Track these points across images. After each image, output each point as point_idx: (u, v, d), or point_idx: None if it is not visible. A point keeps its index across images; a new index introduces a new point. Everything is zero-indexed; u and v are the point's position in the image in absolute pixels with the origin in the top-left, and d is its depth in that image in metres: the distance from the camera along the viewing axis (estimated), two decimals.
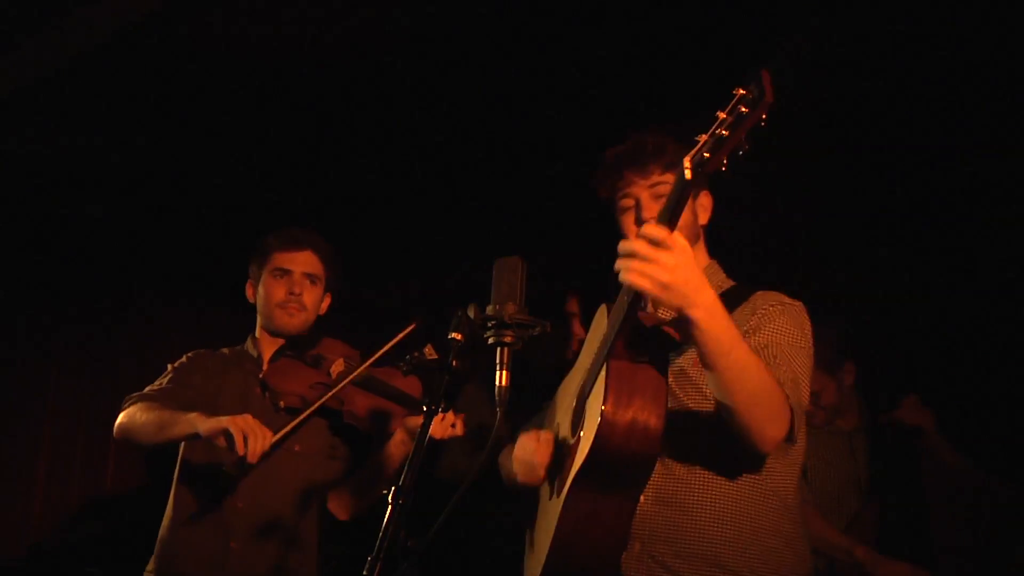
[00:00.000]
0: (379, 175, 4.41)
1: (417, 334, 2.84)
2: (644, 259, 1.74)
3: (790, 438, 1.99)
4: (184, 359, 3.07)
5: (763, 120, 1.62)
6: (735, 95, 1.64)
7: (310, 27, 3.41)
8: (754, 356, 1.90)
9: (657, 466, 2.07)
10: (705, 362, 1.88)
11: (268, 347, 3.09)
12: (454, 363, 2.05)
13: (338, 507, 2.98)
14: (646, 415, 1.96)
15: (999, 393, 3.76)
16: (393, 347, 2.86)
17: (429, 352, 2.17)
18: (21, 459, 4.23)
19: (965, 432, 3.51)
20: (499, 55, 3.50)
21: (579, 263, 3.94)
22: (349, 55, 3.55)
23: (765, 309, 2.15)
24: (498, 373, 2.04)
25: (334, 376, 2.96)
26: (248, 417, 2.62)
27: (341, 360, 3.00)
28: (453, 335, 2.07)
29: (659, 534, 2.10)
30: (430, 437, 2.66)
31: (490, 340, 2.06)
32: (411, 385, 2.97)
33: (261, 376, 2.98)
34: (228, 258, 3.44)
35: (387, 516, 1.91)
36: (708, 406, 2.09)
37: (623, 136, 2.36)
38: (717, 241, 2.40)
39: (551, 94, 3.72)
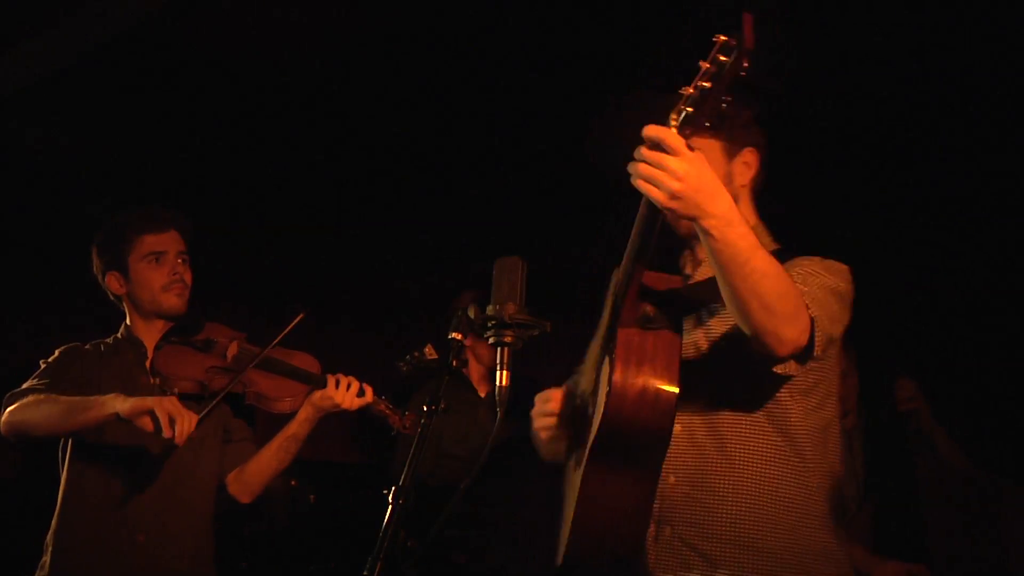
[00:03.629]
0: (376, 175, 4.41)
1: (305, 324, 2.90)
2: (652, 164, 1.66)
3: (809, 351, 1.87)
4: (57, 354, 2.95)
5: (744, 68, 1.56)
6: (715, 42, 1.59)
7: (310, 23, 3.41)
8: (775, 263, 1.80)
9: (688, 448, 2.04)
10: (721, 273, 1.80)
11: (148, 334, 2.99)
12: (454, 363, 2.05)
13: (240, 490, 2.99)
14: (657, 385, 1.89)
15: (994, 388, 3.76)
16: (290, 333, 2.90)
17: (429, 352, 2.17)
18: None
19: (959, 427, 3.52)
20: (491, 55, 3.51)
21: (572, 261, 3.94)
22: (345, 54, 3.55)
23: (802, 265, 2.03)
24: (498, 373, 2.03)
25: (230, 359, 2.93)
26: (173, 398, 2.59)
27: (235, 343, 2.97)
28: (453, 335, 2.07)
29: (690, 518, 2.06)
30: (339, 406, 2.83)
31: (490, 340, 2.06)
32: (309, 362, 2.98)
33: (148, 363, 2.93)
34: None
35: (387, 516, 1.90)
36: (740, 385, 2.03)
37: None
38: None
39: (548, 92, 3.73)
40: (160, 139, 4.16)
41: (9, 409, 2.76)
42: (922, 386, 3.52)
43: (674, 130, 1.63)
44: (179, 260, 2.97)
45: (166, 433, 2.51)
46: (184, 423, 2.52)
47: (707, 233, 1.73)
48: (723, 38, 1.57)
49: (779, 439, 2.03)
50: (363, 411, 2.90)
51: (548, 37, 3.41)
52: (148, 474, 2.82)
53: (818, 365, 1.97)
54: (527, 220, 4.57)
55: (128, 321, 3.04)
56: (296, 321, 2.90)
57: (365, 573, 1.82)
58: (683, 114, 1.62)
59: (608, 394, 1.90)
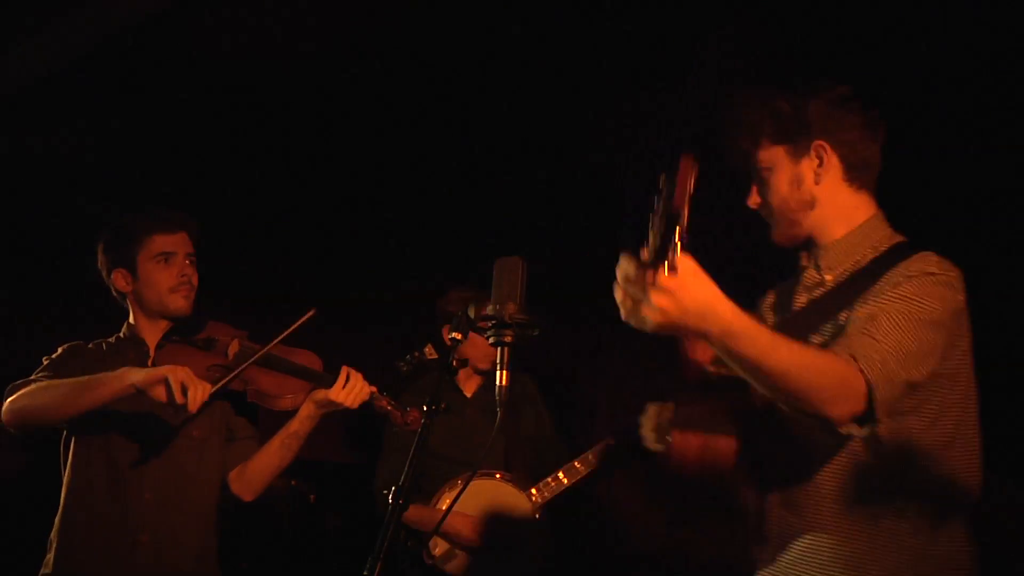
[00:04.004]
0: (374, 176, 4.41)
1: (314, 321, 2.88)
2: (631, 298, 1.63)
3: (869, 416, 1.78)
4: (60, 351, 2.96)
5: (687, 213, 1.51)
6: (659, 188, 1.55)
7: (312, 22, 3.41)
8: (798, 352, 1.75)
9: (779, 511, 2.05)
10: (739, 373, 1.76)
11: (151, 333, 3.01)
12: (454, 362, 2.05)
13: (242, 488, 2.98)
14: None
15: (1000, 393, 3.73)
16: (293, 332, 2.88)
17: (429, 351, 2.17)
18: None
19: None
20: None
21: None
22: (351, 54, 3.55)
23: (900, 276, 1.92)
24: (498, 373, 2.04)
25: (232, 357, 2.92)
26: (186, 368, 2.61)
27: (236, 341, 2.96)
28: (453, 335, 2.07)
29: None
30: (342, 404, 2.81)
31: (491, 340, 2.06)
32: (310, 360, 2.97)
33: (150, 362, 2.92)
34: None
35: (387, 515, 1.90)
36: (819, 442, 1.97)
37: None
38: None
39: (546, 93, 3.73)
40: (162, 138, 4.15)
41: (11, 398, 2.75)
42: None
43: (644, 268, 1.57)
44: (187, 262, 2.99)
45: (178, 400, 2.54)
46: (197, 391, 2.56)
47: (711, 343, 1.69)
48: (662, 183, 1.54)
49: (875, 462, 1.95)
50: (365, 408, 2.88)
51: (547, 39, 3.41)
52: (150, 473, 2.83)
53: (916, 388, 1.88)
54: (528, 220, 4.56)
55: (131, 320, 3.04)
56: (305, 318, 2.88)
57: (365, 573, 1.83)
58: (653, 254, 1.56)
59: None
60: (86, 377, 2.68)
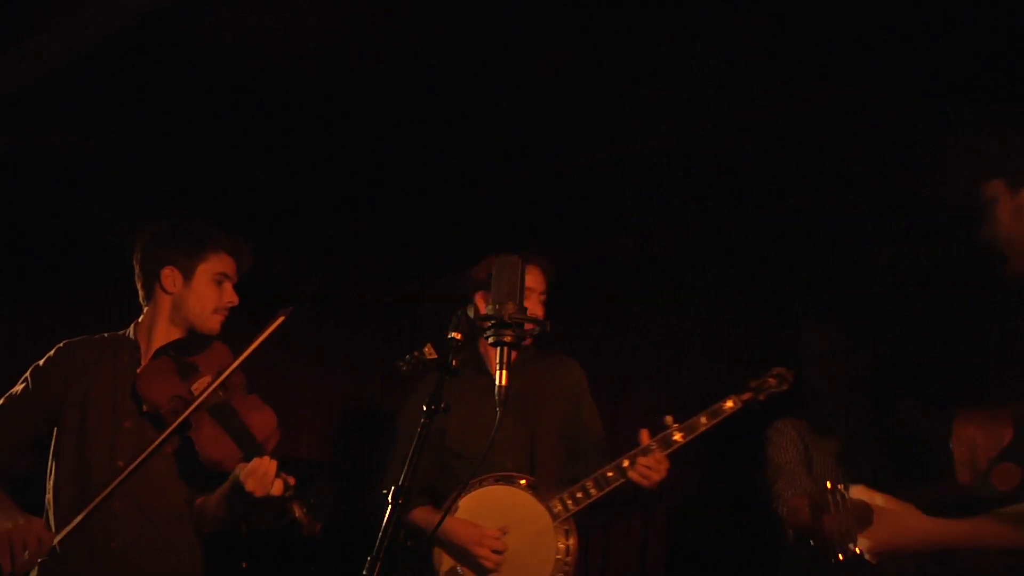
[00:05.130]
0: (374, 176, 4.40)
1: (287, 326, 2.84)
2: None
3: None
4: (52, 354, 2.97)
5: None
6: None
7: (310, 23, 3.40)
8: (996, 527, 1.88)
9: None
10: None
11: (162, 336, 3.00)
12: (453, 363, 2.05)
13: (198, 521, 2.90)
14: None
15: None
16: (262, 343, 2.83)
17: (429, 351, 2.16)
18: None
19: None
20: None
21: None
22: (345, 57, 3.55)
23: None
24: (498, 372, 2.05)
25: (196, 393, 2.86)
26: (36, 525, 2.67)
27: (208, 377, 2.91)
28: (453, 335, 2.07)
29: None
30: (250, 493, 2.65)
31: (490, 340, 2.06)
32: (263, 421, 2.87)
33: (139, 371, 2.92)
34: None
35: (386, 516, 1.90)
36: None
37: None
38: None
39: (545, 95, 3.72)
40: (164, 137, 4.15)
41: None
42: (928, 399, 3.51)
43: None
44: (232, 289, 3.03)
45: (6, 567, 2.58)
46: (20, 563, 2.60)
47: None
48: None
49: None
50: (274, 507, 2.75)
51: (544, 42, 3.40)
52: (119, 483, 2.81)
53: None
54: (527, 221, 4.56)
55: (148, 316, 3.03)
56: (275, 326, 2.85)
57: (365, 573, 1.83)
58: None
59: None
60: None
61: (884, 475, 3.32)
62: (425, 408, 2.02)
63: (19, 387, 2.93)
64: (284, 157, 4.29)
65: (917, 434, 3.40)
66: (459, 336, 2.08)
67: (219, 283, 2.99)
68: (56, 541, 2.71)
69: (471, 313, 2.06)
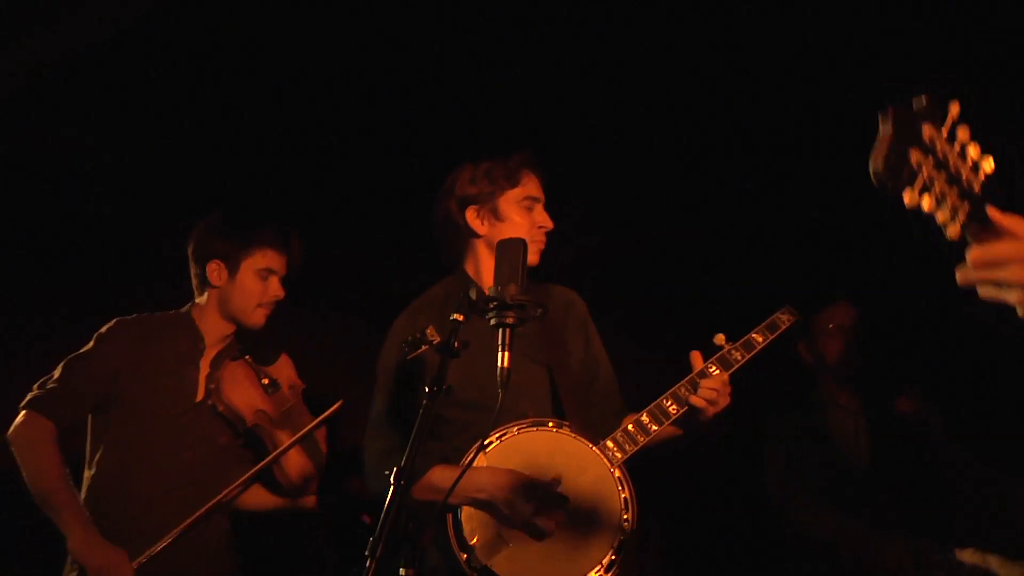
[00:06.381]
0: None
1: (341, 413, 2.98)
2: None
3: None
4: (113, 327, 3.00)
5: None
6: None
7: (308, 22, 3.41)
8: None
9: None
10: None
11: (214, 328, 3.06)
12: (455, 344, 2.03)
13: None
14: None
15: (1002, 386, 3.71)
16: (319, 423, 2.99)
17: (431, 334, 2.15)
18: None
19: (965, 424, 3.47)
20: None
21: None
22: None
23: None
24: (500, 354, 2.02)
25: (278, 416, 3.00)
26: (114, 560, 2.69)
27: (290, 407, 3.05)
28: (455, 316, 2.06)
29: None
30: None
31: (492, 321, 2.04)
32: (319, 434, 3.06)
33: (218, 374, 2.99)
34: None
35: (389, 497, 1.87)
36: None
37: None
38: None
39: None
40: (159, 135, 4.14)
41: (26, 415, 2.83)
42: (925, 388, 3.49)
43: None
44: (279, 283, 3.06)
45: None
46: None
47: None
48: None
49: None
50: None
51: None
52: (169, 463, 2.90)
53: None
54: None
55: (202, 306, 3.07)
56: (333, 410, 2.99)
57: (367, 553, 1.80)
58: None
59: None
60: (58, 492, 2.76)
61: (879, 473, 3.31)
62: (427, 390, 2.00)
63: (83, 351, 2.95)
64: (302, 150, 4.24)
65: (912, 427, 3.39)
66: (461, 317, 2.07)
67: (264, 278, 3.03)
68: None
69: (473, 294, 2.04)
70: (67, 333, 3.09)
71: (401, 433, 2.47)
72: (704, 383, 2.57)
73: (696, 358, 2.63)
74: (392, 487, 1.89)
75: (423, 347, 2.17)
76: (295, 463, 2.98)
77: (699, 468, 4.25)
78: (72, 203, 4.13)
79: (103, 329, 2.98)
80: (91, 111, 3.98)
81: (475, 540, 2.38)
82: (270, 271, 3.04)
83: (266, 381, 3.04)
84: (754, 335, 2.75)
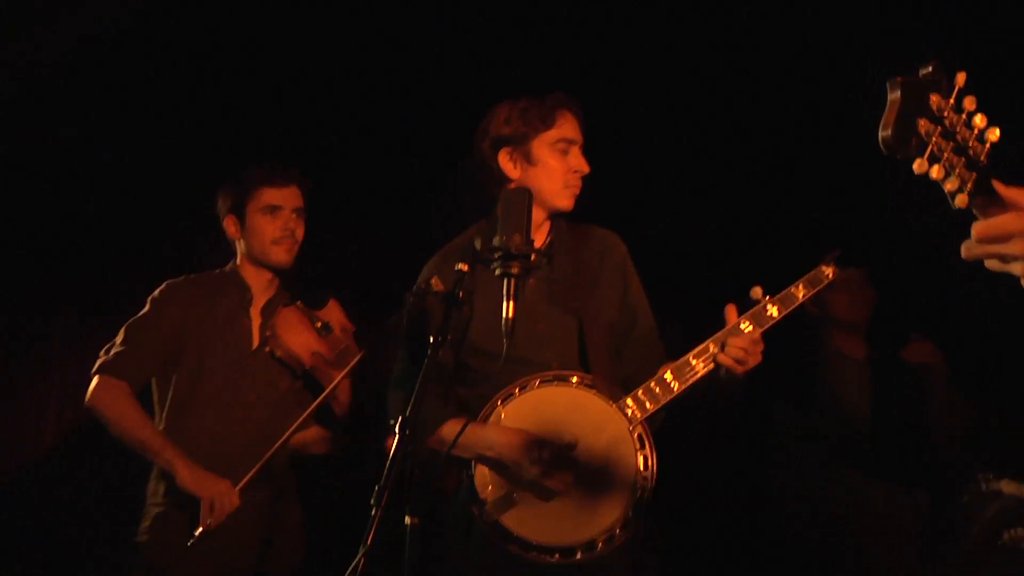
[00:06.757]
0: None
1: (364, 362, 3.10)
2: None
3: None
4: (166, 289, 3.13)
5: None
6: None
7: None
8: None
9: None
10: None
11: (256, 279, 3.19)
12: (460, 295, 2.03)
13: None
14: None
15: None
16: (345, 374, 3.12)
17: (435, 284, 2.15)
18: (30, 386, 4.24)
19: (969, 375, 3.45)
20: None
21: None
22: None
23: None
24: (504, 304, 2.01)
25: (334, 356, 3.13)
26: (226, 491, 2.87)
27: (345, 346, 3.17)
28: (459, 266, 2.05)
29: None
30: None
31: (497, 271, 2.04)
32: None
33: (272, 321, 3.09)
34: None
35: (394, 445, 1.87)
36: None
37: None
38: None
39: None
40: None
41: (99, 379, 2.96)
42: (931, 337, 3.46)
43: None
44: (293, 216, 3.14)
45: (202, 523, 2.84)
46: (221, 516, 2.85)
47: None
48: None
49: None
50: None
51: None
52: (227, 418, 3.03)
53: None
54: None
55: (238, 262, 3.22)
56: (351, 365, 3.13)
57: (372, 502, 1.81)
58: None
59: None
60: (153, 437, 2.93)
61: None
62: (432, 340, 2.00)
63: (141, 315, 3.08)
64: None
65: (919, 377, 3.36)
66: (466, 267, 2.06)
67: (271, 214, 3.12)
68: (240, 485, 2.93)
69: (477, 244, 2.03)
70: (67, 332, 3.16)
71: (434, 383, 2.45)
72: (734, 341, 2.43)
73: (730, 312, 2.49)
74: (397, 436, 1.91)
75: (427, 298, 2.17)
76: (346, 397, 3.18)
77: (699, 468, 4.19)
78: (71, 203, 4.18)
79: (155, 293, 3.11)
80: (91, 111, 4.02)
81: (487, 495, 2.39)
82: (275, 207, 3.13)
83: (319, 324, 3.16)
84: (793, 289, 2.55)
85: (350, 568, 1.77)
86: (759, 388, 3.06)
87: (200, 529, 2.84)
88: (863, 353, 3.49)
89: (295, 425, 3.01)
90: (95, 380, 2.97)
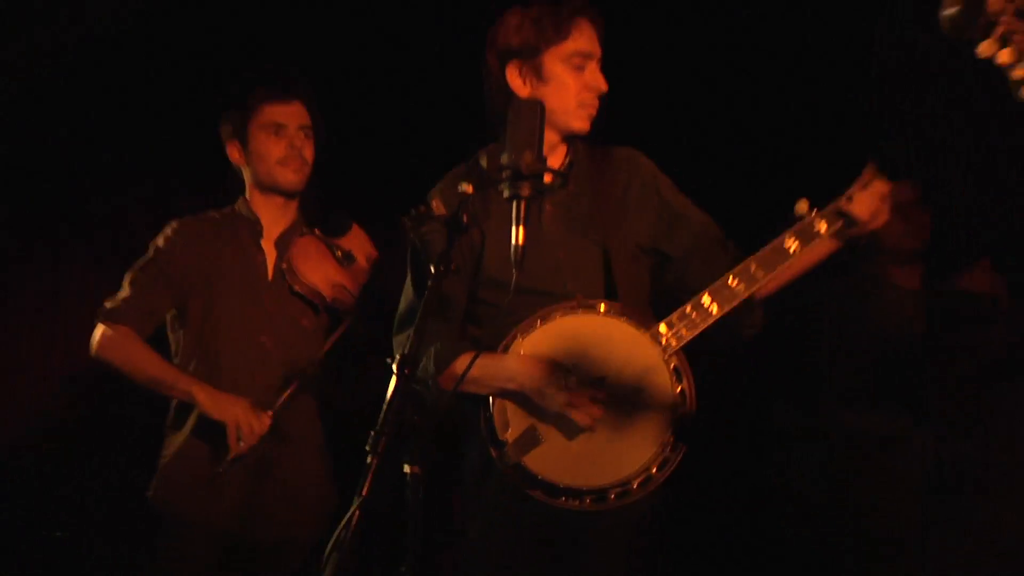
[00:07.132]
0: None
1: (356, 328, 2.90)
2: None
3: None
4: (168, 232, 2.94)
5: None
6: None
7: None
8: None
9: None
10: None
11: (265, 208, 2.99)
12: (464, 218, 1.84)
13: None
14: None
15: None
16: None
17: (437, 207, 1.95)
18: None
19: None
20: None
21: None
22: None
23: None
24: (514, 229, 1.83)
25: (355, 289, 2.92)
26: (245, 408, 2.70)
27: (364, 272, 2.96)
28: (463, 187, 1.86)
29: None
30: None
31: (505, 193, 1.84)
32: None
33: (288, 253, 2.90)
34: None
35: (392, 388, 1.71)
36: None
37: None
38: None
39: None
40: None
41: (103, 328, 2.81)
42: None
43: None
44: (300, 134, 2.92)
45: (232, 447, 2.69)
46: (252, 436, 2.70)
47: None
48: None
49: None
50: None
51: None
52: (244, 356, 2.87)
53: None
54: None
55: (247, 195, 3.01)
56: (340, 331, 2.91)
57: (368, 448, 1.66)
58: None
59: None
60: (166, 371, 2.80)
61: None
62: (433, 270, 1.82)
63: (144, 260, 2.91)
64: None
65: (978, 307, 3.17)
66: (470, 189, 1.87)
67: (275, 133, 2.90)
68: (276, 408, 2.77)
69: (484, 162, 1.84)
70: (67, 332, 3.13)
71: (438, 319, 2.25)
72: (860, 195, 2.21)
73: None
74: (395, 377, 1.73)
75: (428, 222, 1.98)
76: None
77: (698, 468, 4.06)
78: (72, 202, 4.07)
79: (160, 240, 2.93)
80: (91, 111, 3.90)
81: (507, 435, 2.16)
82: (278, 125, 2.90)
83: (339, 254, 2.95)
84: (844, 204, 2.25)
85: (343, 520, 1.62)
86: (759, 388, 3.19)
87: (232, 454, 2.70)
88: (918, 283, 3.27)
89: (315, 361, 2.84)
90: (98, 329, 2.83)
